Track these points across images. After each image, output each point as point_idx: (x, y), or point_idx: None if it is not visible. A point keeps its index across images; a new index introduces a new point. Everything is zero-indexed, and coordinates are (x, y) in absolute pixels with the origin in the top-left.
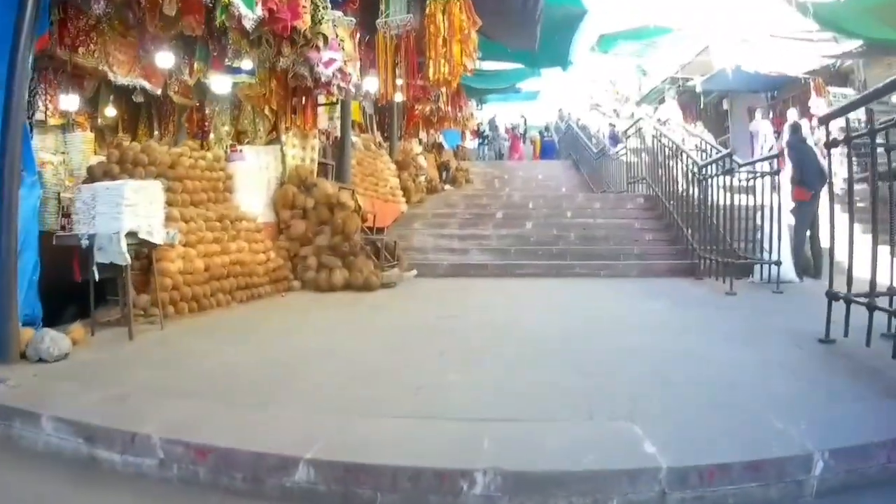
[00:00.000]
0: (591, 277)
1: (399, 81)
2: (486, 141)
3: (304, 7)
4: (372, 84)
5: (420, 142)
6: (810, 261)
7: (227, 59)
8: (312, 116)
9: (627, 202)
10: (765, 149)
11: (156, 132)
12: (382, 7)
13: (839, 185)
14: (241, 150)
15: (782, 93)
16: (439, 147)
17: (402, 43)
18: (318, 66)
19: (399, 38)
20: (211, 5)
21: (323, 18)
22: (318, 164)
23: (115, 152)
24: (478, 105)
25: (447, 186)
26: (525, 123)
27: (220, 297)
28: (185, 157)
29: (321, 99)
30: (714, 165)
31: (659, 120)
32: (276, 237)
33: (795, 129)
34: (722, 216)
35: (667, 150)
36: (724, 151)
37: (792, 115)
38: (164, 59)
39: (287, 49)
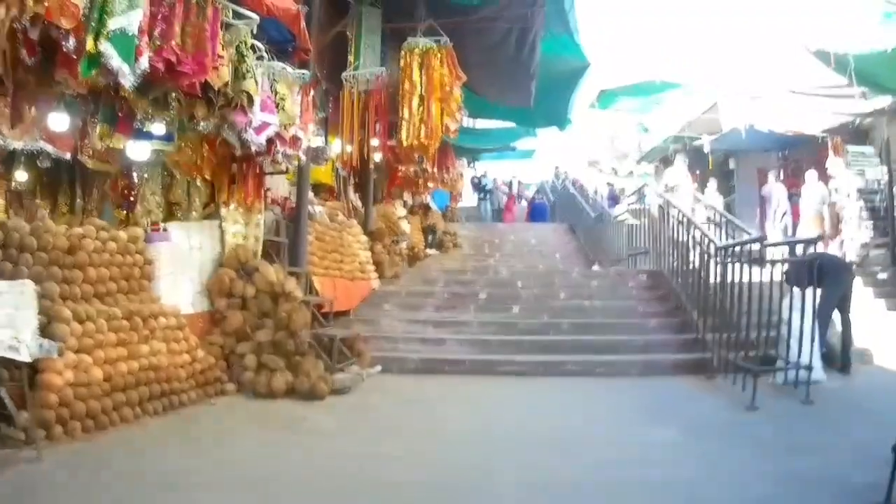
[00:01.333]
0: (586, 377)
1: (374, 142)
2: (487, 196)
3: (219, 58)
4: (337, 146)
5: (405, 204)
6: (836, 351)
7: (136, 122)
8: (255, 187)
9: (629, 279)
10: (778, 213)
11: (78, 200)
12: (351, 58)
13: (856, 250)
14: (165, 229)
15: (795, 152)
16: (426, 209)
17: (371, 100)
18: (246, 131)
19: (369, 94)
20: (75, 57)
21: (247, 73)
22: (269, 241)
23: None
24: (469, 164)
25: (432, 251)
26: (518, 184)
27: (126, 411)
28: (88, 239)
29: (268, 166)
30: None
31: (666, 186)
32: (210, 330)
33: None
34: (737, 297)
35: (674, 220)
36: (753, 235)
37: (811, 176)
38: (58, 120)
39: (201, 111)
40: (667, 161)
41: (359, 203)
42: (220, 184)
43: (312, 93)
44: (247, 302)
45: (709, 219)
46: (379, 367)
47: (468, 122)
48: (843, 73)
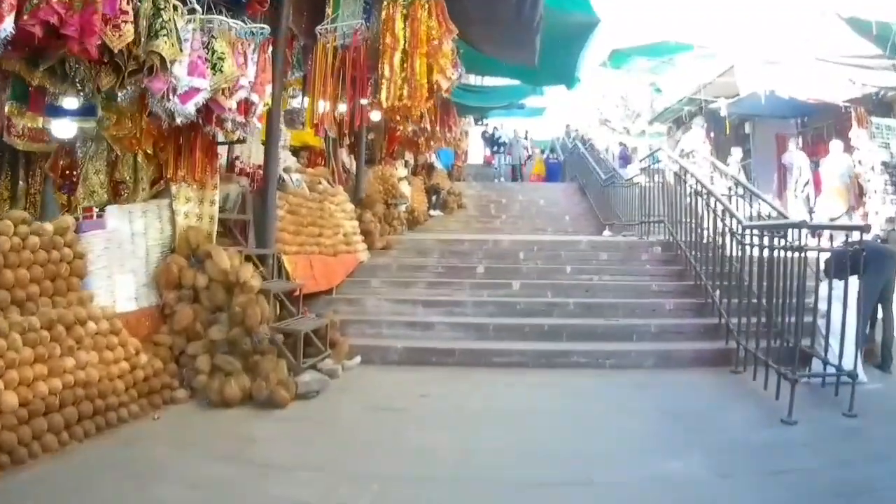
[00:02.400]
0: (593, 370)
1: (364, 101)
2: (503, 149)
3: (122, 13)
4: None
5: (406, 164)
6: (876, 345)
7: (48, 97)
8: (204, 161)
9: (641, 252)
10: (800, 183)
11: (21, 183)
12: (329, 10)
13: (881, 224)
14: (100, 215)
15: (814, 120)
16: (429, 168)
17: (348, 56)
18: (169, 99)
19: (346, 50)
20: None
21: (160, 30)
22: (233, 220)
23: None
24: (478, 122)
25: (436, 213)
26: (530, 141)
27: (49, 439)
28: (4, 237)
29: (221, 135)
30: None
31: (682, 151)
32: (159, 328)
33: None
34: (764, 277)
35: (691, 190)
36: (791, 220)
37: (836, 147)
38: None
39: (106, 79)
40: (680, 122)
41: (353, 166)
42: (166, 157)
43: (271, 49)
44: (199, 294)
45: (730, 189)
46: (358, 359)
47: (476, 80)
48: (882, 45)
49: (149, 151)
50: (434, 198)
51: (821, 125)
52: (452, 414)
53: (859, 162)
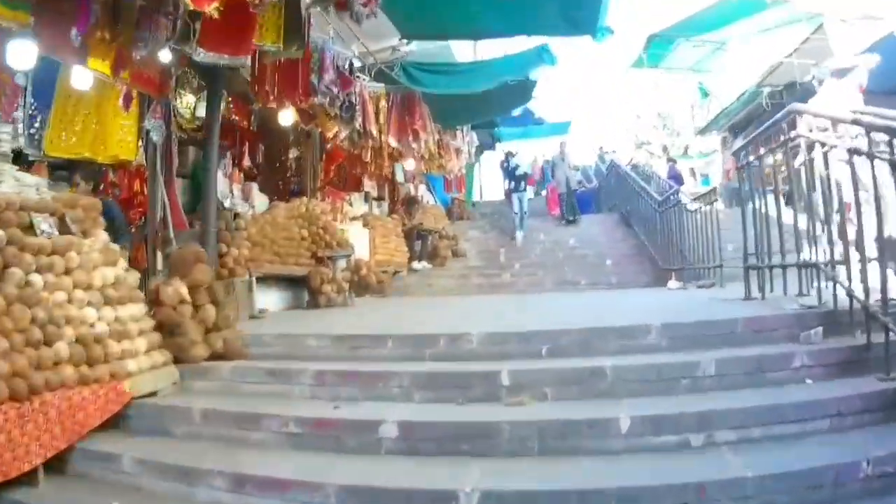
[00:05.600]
0: None
1: None
2: (522, 185)
3: None
4: None
5: (366, 196)
6: None
7: None
8: None
9: (786, 345)
10: None
11: None
12: None
13: None
14: None
15: None
16: (409, 203)
17: None
18: None
19: None
20: None
21: None
22: None
23: None
24: (490, 146)
25: (420, 265)
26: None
27: None
28: None
29: None
30: None
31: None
32: None
33: None
34: None
35: None
36: None
37: None
38: None
39: None
40: (738, 129)
41: (246, 200)
42: None
43: None
44: None
45: None
46: None
47: (462, 52)
48: None
49: None
50: (419, 244)
51: None
52: None
53: None
